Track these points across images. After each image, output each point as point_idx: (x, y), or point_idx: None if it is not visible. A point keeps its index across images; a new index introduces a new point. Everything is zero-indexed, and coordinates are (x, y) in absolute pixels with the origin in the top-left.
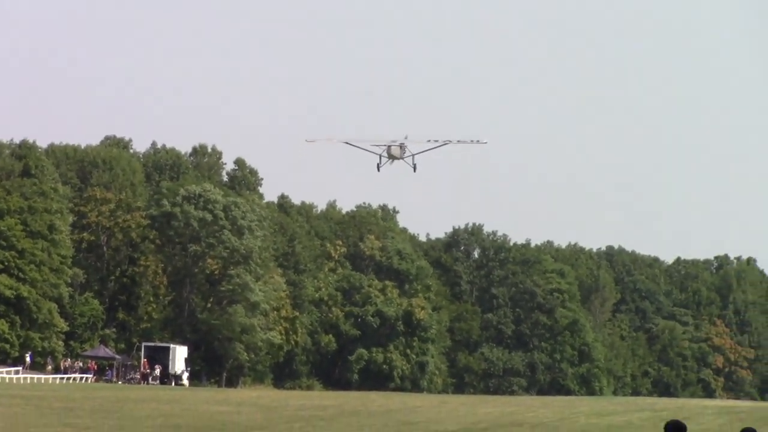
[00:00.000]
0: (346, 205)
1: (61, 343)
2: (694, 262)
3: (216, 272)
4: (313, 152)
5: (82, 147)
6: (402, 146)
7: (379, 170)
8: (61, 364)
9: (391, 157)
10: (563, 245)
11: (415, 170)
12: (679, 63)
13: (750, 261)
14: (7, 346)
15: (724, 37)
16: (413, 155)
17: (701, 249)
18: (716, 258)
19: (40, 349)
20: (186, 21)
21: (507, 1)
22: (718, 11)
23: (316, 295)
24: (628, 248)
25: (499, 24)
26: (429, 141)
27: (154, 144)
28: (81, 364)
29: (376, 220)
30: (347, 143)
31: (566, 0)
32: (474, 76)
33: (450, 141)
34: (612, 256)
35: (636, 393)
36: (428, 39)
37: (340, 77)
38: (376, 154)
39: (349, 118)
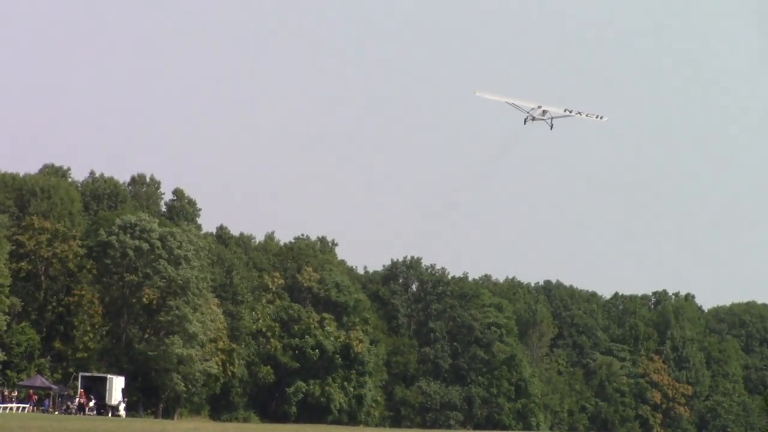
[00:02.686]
0: (284, 237)
1: None
2: (632, 298)
3: (153, 302)
4: (252, 184)
5: (21, 175)
6: (544, 111)
7: (525, 123)
8: None
9: (534, 118)
10: (501, 279)
11: (551, 128)
12: (611, 95)
13: (688, 297)
14: None
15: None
16: (552, 118)
17: (639, 284)
18: (654, 293)
19: None
20: (125, 52)
21: None
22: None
23: (254, 327)
24: (566, 283)
25: None
26: (565, 110)
27: (92, 173)
28: (16, 393)
29: (314, 252)
30: (512, 104)
31: None
32: None
33: (581, 113)
34: (550, 291)
35: (573, 429)
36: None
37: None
38: (526, 112)
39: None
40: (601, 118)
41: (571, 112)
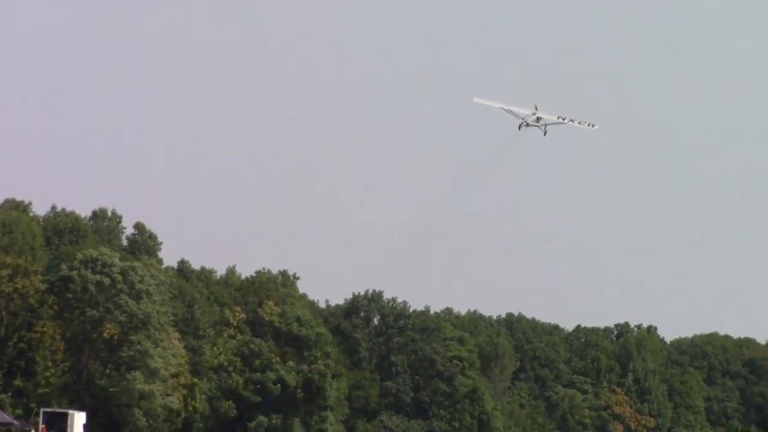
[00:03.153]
0: (245, 271)
1: None
2: (594, 330)
3: (115, 337)
4: (214, 216)
5: None
6: (538, 118)
7: (520, 129)
8: None
9: (528, 124)
10: (463, 312)
11: (545, 134)
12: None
13: (650, 329)
14: None
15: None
16: (546, 125)
17: (601, 317)
18: (616, 326)
19: None
20: (84, 85)
21: None
22: None
23: (215, 361)
24: (528, 315)
25: None
26: (558, 117)
27: (54, 207)
28: None
29: (275, 286)
30: (508, 110)
31: None
32: None
33: (573, 120)
34: (512, 324)
35: None
36: None
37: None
38: (521, 118)
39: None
40: (593, 126)
41: (564, 119)
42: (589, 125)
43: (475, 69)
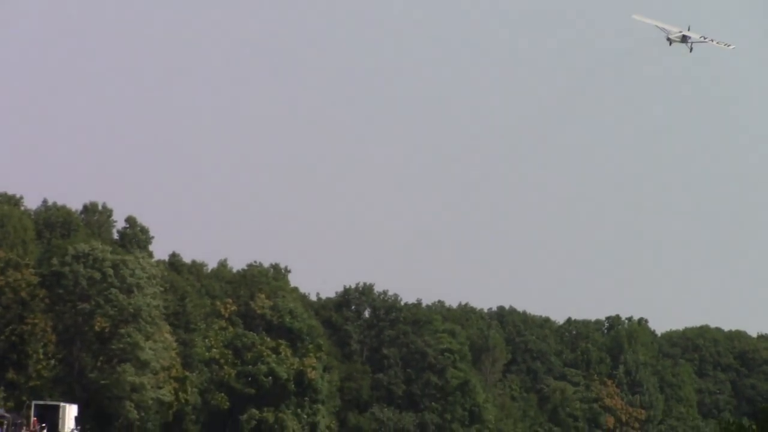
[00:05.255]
0: (237, 264)
1: None
2: (585, 323)
3: (106, 330)
4: (205, 209)
5: None
6: (684, 36)
7: (670, 44)
8: None
9: (672, 41)
10: (454, 305)
11: (691, 51)
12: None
13: (641, 321)
14: None
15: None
16: (692, 43)
17: (592, 309)
18: (607, 318)
19: None
20: (77, 78)
21: None
22: None
23: (207, 354)
24: (519, 308)
25: None
26: (701, 36)
27: (45, 201)
28: None
29: (267, 279)
30: (662, 28)
31: None
32: None
33: (713, 40)
34: (503, 316)
35: None
36: None
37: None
38: (667, 36)
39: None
40: (729, 46)
41: (705, 38)
42: (726, 45)
43: None
